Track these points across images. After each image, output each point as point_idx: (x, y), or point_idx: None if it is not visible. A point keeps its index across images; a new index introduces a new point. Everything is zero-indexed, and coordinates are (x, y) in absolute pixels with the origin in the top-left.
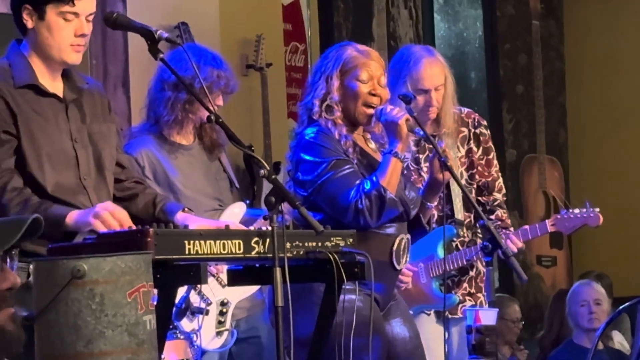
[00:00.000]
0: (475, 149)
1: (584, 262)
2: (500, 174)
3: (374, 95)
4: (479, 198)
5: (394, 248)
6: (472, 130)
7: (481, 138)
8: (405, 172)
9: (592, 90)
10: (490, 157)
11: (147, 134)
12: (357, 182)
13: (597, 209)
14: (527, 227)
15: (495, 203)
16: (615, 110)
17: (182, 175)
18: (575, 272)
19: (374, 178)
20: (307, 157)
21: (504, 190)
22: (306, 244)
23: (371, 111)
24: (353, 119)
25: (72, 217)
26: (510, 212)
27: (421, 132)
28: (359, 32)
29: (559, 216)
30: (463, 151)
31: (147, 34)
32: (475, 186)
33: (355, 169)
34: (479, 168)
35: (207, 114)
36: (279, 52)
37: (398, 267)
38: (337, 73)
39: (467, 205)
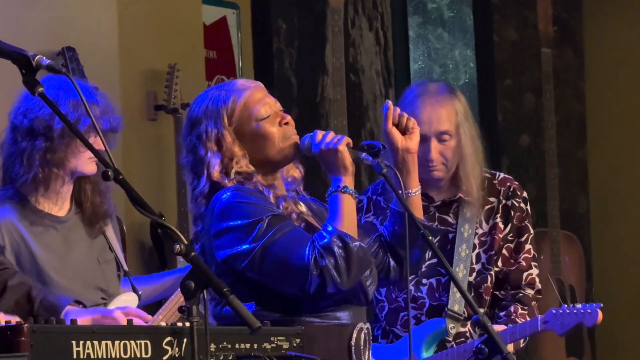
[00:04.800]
0: (501, 225)
1: None
2: (535, 265)
3: (287, 124)
4: (496, 292)
5: (352, 342)
6: (503, 201)
7: (512, 213)
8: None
9: (622, 143)
10: (523, 239)
11: (7, 202)
12: (308, 237)
13: (600, 305)
14: (514, 325)
15: (517, 297)
16: None
17: (54, 258)
18: None
19: (328, 227)
20: (232, 223)
21: (538, 286)
22: (237, 346)
23: (296, 138)
24: (275, 164)
25: None
26: None
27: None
28: (307, 62)
29: (554, 311)
30: (486, 227)
31: (21, 59)
32: (492, 274)
33: (297, 225)
34: (505, 252)
35: (80, 164)
36: (199, 88)
37: None
38: (225, 128)
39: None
